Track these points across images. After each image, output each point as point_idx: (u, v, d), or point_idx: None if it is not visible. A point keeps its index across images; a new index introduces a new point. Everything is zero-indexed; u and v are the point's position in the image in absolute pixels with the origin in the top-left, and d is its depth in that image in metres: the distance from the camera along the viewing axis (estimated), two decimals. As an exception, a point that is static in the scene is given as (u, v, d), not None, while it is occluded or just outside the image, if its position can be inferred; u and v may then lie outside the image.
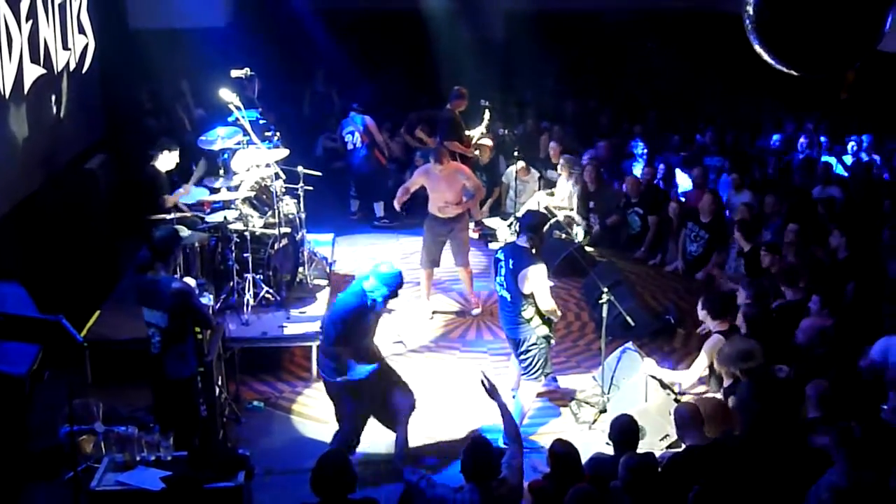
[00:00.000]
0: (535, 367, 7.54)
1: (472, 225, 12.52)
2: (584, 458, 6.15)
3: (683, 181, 12.40)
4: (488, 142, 12.82)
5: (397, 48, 15.11)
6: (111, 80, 12.37)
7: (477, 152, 12.66)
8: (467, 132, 12.24)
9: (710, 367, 7.53)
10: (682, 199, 11.88)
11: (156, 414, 6.99)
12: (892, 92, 12.75)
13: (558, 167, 12.70)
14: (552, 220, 11.51)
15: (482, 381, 5.96)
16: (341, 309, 7.01)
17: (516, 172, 12.58)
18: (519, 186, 12.64)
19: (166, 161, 9.63)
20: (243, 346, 8.33)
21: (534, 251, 7.46)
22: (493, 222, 12.82)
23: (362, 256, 11.62)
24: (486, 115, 12.41)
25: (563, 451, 5.81)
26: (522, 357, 7.56)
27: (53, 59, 10.15)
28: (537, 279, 7.32)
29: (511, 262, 7.40)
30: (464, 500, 5.14)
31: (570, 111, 15.12)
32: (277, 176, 9.42)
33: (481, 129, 12.44)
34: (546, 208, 11.99)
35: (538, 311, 7.43)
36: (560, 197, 12.56)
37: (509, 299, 7.47)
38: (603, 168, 12.64)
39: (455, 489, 5.23)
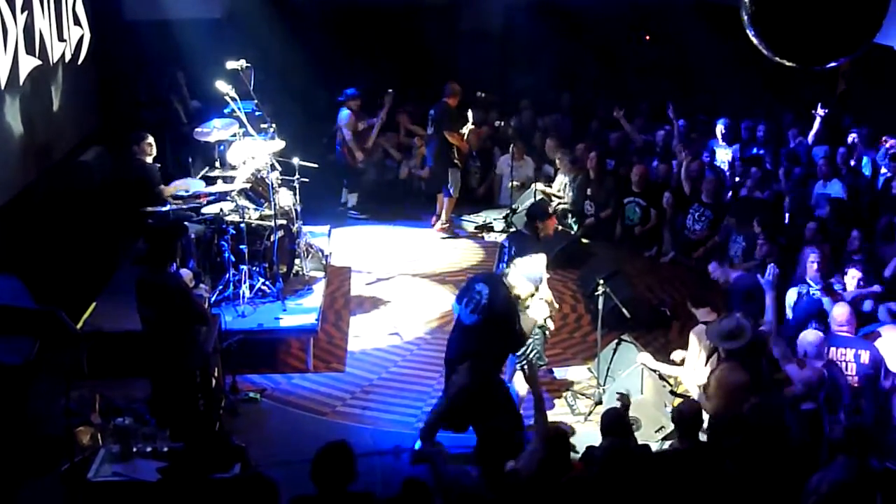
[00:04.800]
0: (528, 355, 7.57)
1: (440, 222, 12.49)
2: (580, 450, 6.19)
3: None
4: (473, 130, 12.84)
5: (394, 40, 15.07)
6: (106, 71, 12.35)
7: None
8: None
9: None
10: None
11: (153, 407, 7.02)
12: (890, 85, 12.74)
13: (556, 162, 12.72)
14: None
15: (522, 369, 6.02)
16: None
17: (512, 154, 12.54)
18: (514, 173, 12.61)
19: (145, 151, 9.68)
20: (239, 337, 8.32)
21: (536, 240, 7.55)
22: (483, 216, 12.85)
23: (358, 248, 11.64)
24: (470, 113, 12.35)
25: (555, 434, 5.81)
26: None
27: (49, 51, 10.13)
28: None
29: (513, 248, 7.50)
30: (470, 485, 5.15)
31: (566, 103, 15.10)
32: (273, 168, 9.42)
33: (469, 125, 12.40)
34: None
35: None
36: (556, 188, 12.58)
37: None
38: (608, 159, 12.70)
39: (466, 471, 5.25)
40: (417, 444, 6.76)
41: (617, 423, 5.92)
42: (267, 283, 9.15)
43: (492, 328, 6.72)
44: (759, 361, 7.20)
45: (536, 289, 7.12)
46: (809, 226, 9.58)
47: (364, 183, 12.87)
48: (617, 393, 7.09)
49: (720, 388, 6.38)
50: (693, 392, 7.47)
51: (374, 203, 12.83)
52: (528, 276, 7.05)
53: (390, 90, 12.53)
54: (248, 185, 9.40)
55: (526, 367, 6.44)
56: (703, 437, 6.17)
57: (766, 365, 7.25)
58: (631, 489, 5.34)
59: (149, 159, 9.83)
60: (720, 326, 7.21)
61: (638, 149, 13.10)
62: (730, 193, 11.78)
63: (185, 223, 9.03)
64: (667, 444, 6.86)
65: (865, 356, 7.03)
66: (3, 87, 8.86)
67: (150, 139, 9.86)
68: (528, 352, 7.56)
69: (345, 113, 12.43)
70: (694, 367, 7.63)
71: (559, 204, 12.22)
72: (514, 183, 12.48)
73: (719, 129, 12.84)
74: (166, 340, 6.75)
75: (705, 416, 6.33)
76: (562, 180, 12.56)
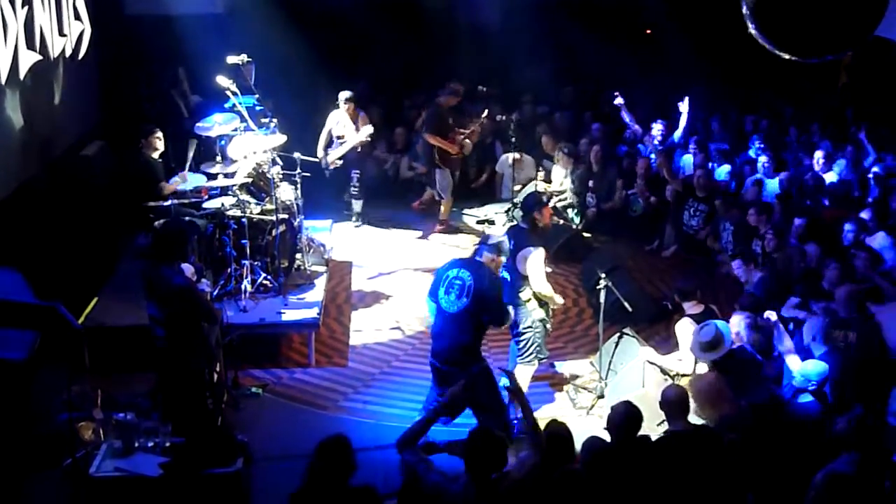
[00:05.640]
0: (529, 349, 7.59)
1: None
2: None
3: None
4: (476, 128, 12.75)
5: (394, 35, 15.06)
6: (107, 66, 12.34)
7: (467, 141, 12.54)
8: (462, 129, 12.07)
9: None
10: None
11: (158, 401, 7.02)
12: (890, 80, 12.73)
13: (555, 157, 12.70)
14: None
15: (506, 382, 6.07)
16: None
17: (512, 162, 12.55)
18: (515, 174, 12.60)
19: (153, 146, 9.65)
20: (241, 332, 8.32)
21: (534, 233, 7.55)
22: (485, 210, 12.82)
23: (360, 243, 11.64)
24: (480, 120, 12.27)
25: (556, 433, 5.79)
26: (518, 339, 7.62)
27: (49, 46, 10.12)
28: (532, 261, 7.39)
29: (513, 242, 7.50)
30: (457, 492, 5.10)
31: (568, 97, 15.09)
32: (275, 162, 9.41)
33: (476, 126, 12.29)
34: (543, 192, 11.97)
35: (535, 294, 7.48)
36: (556, 183, 12.57)
37: (508, 280, 7.53)
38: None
39: (452, 478, 5.20)
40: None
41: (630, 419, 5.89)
42: (268, 277, 9.16)
43: (481, 306, 6.80)
44: (743, 361, 7.23)
45: (501, 255, 7.15)
46: (797, 222, 9.65)
47: (365, 179, 12.82)
48: None
49: (699, 398, 6.40)
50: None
51: (375, 198, 12.80)
52: (496, 244, 7.13)
53: (370, 130, 11.77)
54: (250, 180, 9.40)
55: (509, 380, 6.46)
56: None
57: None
58: (620, 481, 5.35)
59: (155, 154, 9.82)
60: (699, 337, 7.23)
61: (633, 140, 13.08)
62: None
63: (188, 219, 9.03)
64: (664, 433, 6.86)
65: (852, 336, 7.07)
66: (3, 83, 8.85)
67: (160, 133, 9.84)
68: (528, 346, 7.57)
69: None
70: (686, 360, 7.66)
71: (559, 200, 12.20)
72: (517, 188, 12.46)
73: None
74: (174, 338, 6.75)
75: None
76: (561, 173, 12.56)
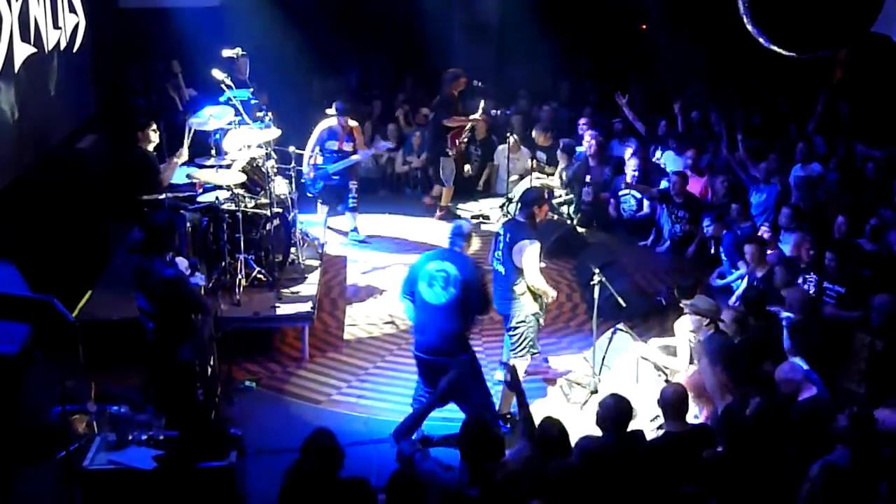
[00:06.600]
0: (522, 344, 7.60)
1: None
2: (575, 438, 6.18)
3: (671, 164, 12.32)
4: (482, 118, 12.80)
5: (391, 29, 15.07)
6: (102, 59, 12.31)
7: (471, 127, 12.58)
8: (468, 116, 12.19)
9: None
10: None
11: (150, 397, 7.02)
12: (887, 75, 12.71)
13: (558, 153, 12.72)
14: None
15: (504, 376, 6.08)
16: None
17: (508, 148, 12.55)
18: (510, 165, 12.60)
19: (149, 139, 9.62)
20: (235, 326, 8.32)
21: (531, 227, 7.57)
22: (479, 205, 12.83)
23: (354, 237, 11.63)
24: (482, 103, 12.32)
25: (551, 431, 5.80)
26: (511, 333, 7.63)
27: (44, 38, 10.08)
28: (528, 254, 7.40)
29: (508, 235, 7.51)
30: (453, 479, 5.11)
31: (564, 92, 15.09)
32: (269, 156, 9.40)
33: (477, 115, 12.33)
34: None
35: (530, 288, 7.49)
36: (554, 179, 12.57)
37: (503, 273, 7.57)
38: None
39: (446, 466, 5.21)
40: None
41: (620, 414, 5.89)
42: (262, 271, 9.15)
43: (468, 295, 6.90)
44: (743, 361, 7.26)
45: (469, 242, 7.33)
46: (784, 211, 9.66)
47: (361, 172, 12.80)
48: None
49: (691, 392, 6.44)
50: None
51: (369, 193, 12.79)
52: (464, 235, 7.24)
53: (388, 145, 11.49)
54: (244, 175, 9.38)
55: (507, 373, 6.47)
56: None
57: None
58: (617, 480, 5.35)
59: (151, 147, 9.79)
60: (707, 299, 7.30)
61: (624, 133, 13.07)
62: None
63: (181, 212, 9.01)
64: (661, 433, 6.87)
65: (879, 344, 7.10)
66: (-3, 75, 8.83)
67: (155, 126, 9.77)
68: (522, 341, 7.57)
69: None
70: (682, 356, 7.68)
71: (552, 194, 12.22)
72: (513, 178, 12.48)
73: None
74: (164, 330, 6.75)
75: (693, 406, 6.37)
76: (560, 167, 12.57)
